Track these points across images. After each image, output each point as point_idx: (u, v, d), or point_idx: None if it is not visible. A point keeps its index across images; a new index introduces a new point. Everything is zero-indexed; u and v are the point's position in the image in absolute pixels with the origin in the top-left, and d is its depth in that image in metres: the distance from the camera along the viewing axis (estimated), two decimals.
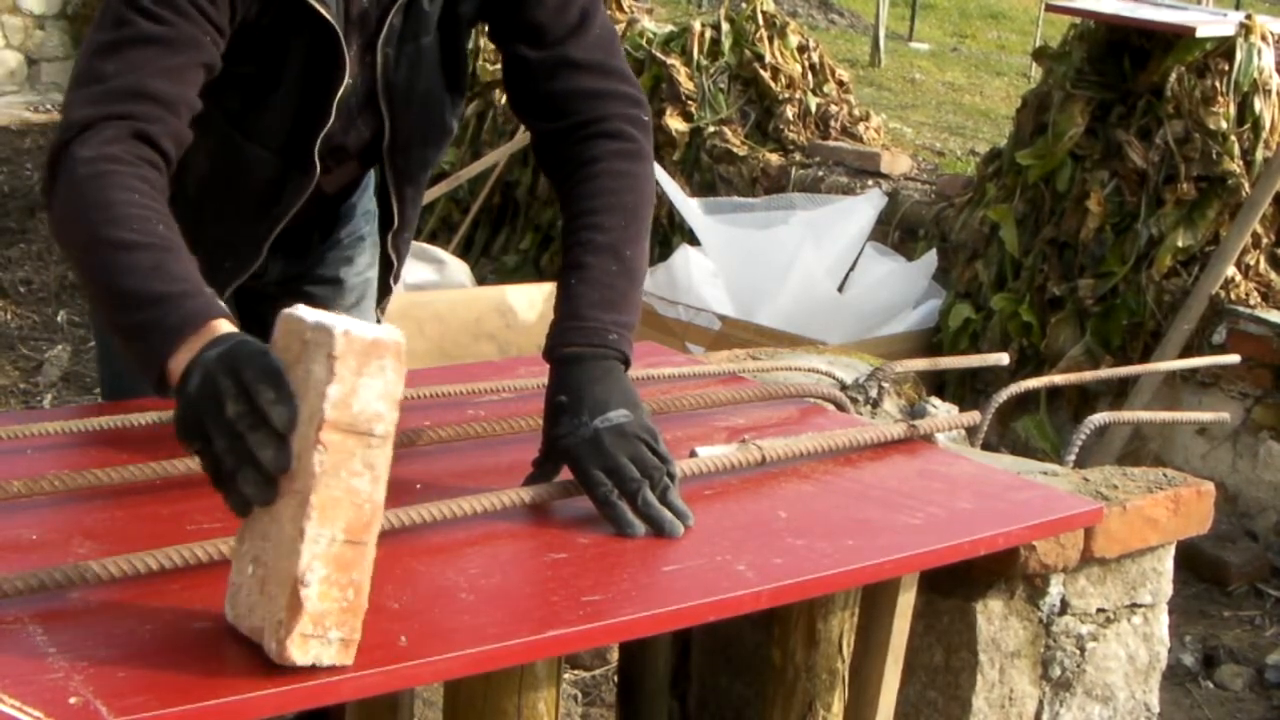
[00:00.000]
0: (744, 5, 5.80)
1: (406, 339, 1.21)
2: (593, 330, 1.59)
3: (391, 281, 2.08)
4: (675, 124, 5.57)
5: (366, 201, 2.10)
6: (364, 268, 2.13)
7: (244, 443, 1.20)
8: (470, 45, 1.97)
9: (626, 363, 1.61)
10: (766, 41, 5.69)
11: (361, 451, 1.18)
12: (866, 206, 4.92)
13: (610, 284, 1.63)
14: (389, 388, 1.18)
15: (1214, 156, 4.16)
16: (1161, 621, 1.98)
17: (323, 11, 1.70)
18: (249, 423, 1.20)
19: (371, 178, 2.04)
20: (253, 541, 1.22)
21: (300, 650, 1.16)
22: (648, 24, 6.14)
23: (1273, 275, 4.20)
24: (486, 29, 1.86)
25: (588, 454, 1.52)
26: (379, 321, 2.14)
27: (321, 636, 1.17)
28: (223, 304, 1.40)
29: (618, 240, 1.66)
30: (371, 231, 2.11)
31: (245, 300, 1.96)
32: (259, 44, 1.72)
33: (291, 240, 1.99)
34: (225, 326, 1.35)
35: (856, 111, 5.78)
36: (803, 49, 5.79)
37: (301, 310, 1.22)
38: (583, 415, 1.54)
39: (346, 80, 1.76)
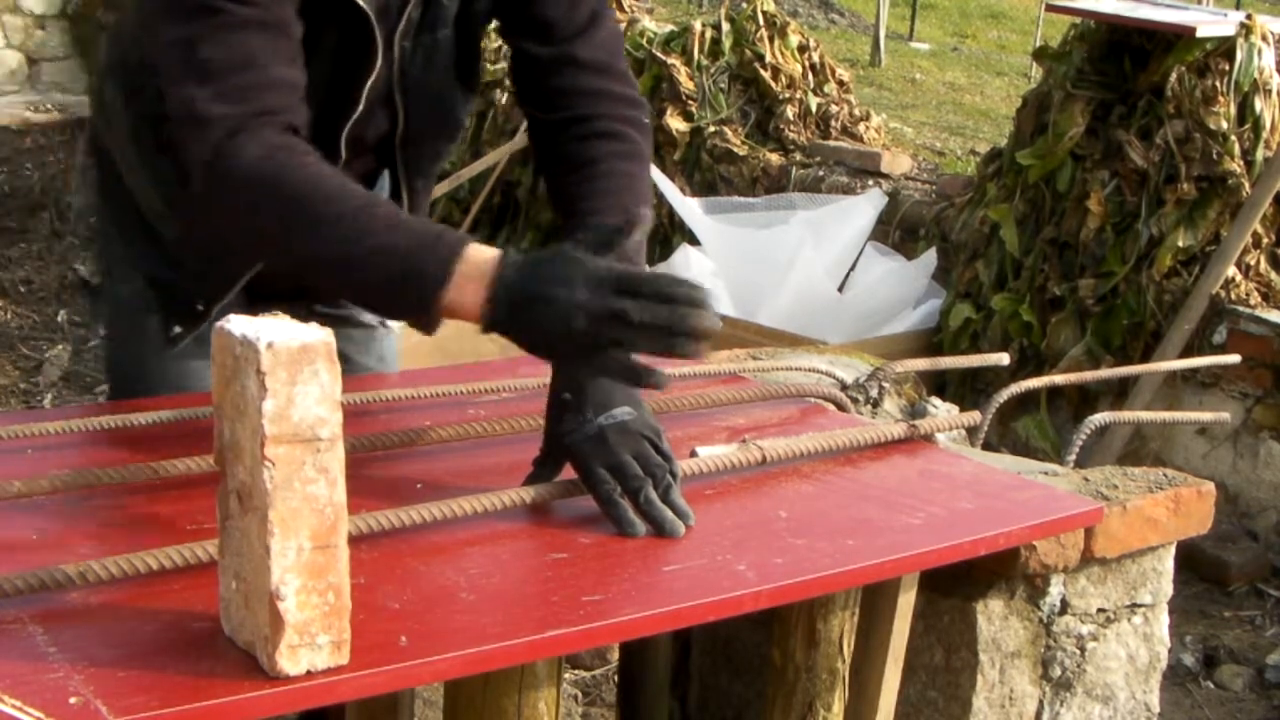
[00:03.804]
0: (744, 5, 5.80)
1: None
2: None
3: None
4: (675, 124, 5.56)
5: None
6: None
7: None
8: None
9: None
10: (767, 41, 5.68)
11: (311, 458, 1.16)
12: (867, 206, 4.92)
13: None
14: (325, 390, 1.16)
15: (1214, 156, 4.16)
16: (1162, 621, 1.98)
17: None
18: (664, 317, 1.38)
19: (386, 178, 2.05)
20: (231, 557, 1.21)
21: (290, 662, 1.16)
22: (648, 24, 6.13)
23: (1273, 275, 4.20)
24: (495, 26, 1.87)
25: (592, 451, 1.52)
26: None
27: (309, 644, 1.16)
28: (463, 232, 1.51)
29: None
30: None
31: (256, 300, 1.94)
32: None
33: None
34: (484, 250, 1.45)
35: (857, 111, 5.78)
36: (803, 49, 5.78)
37: (232, 323, 1.19)
38: (587, 412, 1.53)
39: (378, 68, 1.77)
